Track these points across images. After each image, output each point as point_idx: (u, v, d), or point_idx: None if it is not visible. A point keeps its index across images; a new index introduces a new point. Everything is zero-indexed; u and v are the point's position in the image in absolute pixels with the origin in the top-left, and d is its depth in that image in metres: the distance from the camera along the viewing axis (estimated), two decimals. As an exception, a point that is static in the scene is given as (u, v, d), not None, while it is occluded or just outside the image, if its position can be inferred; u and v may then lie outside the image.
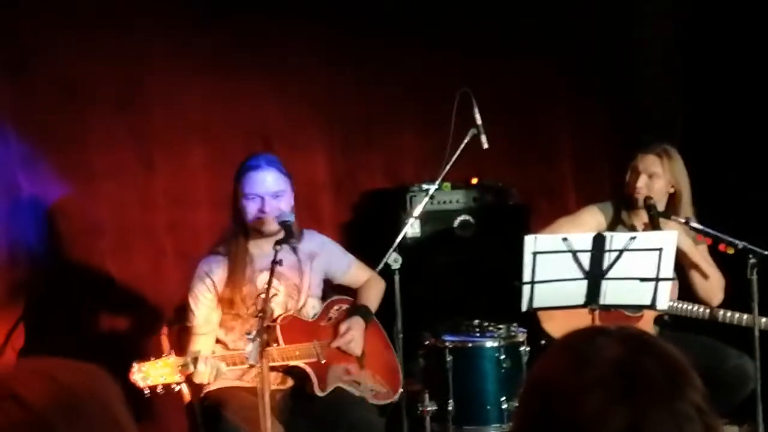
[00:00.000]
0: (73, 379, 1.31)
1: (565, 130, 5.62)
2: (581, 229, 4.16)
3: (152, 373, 3.21)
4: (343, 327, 3.68)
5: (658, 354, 1.39)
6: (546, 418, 1.36)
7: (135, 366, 3.20)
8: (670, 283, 3.69)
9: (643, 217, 4.26)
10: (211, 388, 3.51)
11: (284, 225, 3.40)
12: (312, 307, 3.71)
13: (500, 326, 4.10)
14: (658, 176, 4.19)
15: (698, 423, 1.33)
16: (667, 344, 1.42)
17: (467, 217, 5.05)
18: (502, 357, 3.99)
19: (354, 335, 3.67)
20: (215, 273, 3.55)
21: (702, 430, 1.34)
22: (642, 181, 4.18)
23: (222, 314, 3.58)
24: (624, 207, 4.29)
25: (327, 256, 3.81)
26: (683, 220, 4.06)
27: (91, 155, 4.66)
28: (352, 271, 3.91)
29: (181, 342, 3.61)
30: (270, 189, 3.51)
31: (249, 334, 3.09)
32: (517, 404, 2.39)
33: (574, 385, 1.35)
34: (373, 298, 3.89)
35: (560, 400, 1.35)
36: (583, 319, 3.80)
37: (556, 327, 4.17)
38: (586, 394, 1.33)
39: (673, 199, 4.23)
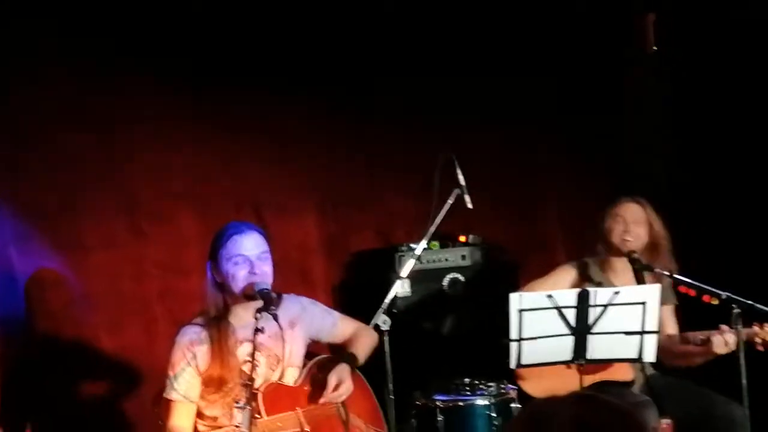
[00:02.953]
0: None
1: (552, 186, 5.67)
2: (553, 288, 4.22)
3: None
4: (332, 379, 3.52)
5: (611, 408, 1.44)
6: None
7: None
8: (655, 336, 3.72)
9: (618, 269, 4.29)
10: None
11: (262, 293, 3.37)
12: (291, 376, 3.60)
13: (490, 384, 4.12)
14: (639, 223, 4.23)
15: None
16: (613, 398, 1.48)
17: (456, 275, 5.09)
18: (494, 415, 4.00)
19: (343, 389, 3.54)
20: (196, 347, 3.47)
21: None
22: (624, 226, 4.21)
23: (204, 387, 3.49)
24: (599, 261, 4.32)
25: (308, 319, 3.71)
26: (667, 273, 4.09)
27: (81, 228, 4.72)
28: (339, 327, 3.80)
29: (162, 413, 3.57)
30: (256, 251, 3.49)
31: (238, 403, 3.08)
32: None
33: None
34: (360, 347, 3.74)
35: None
36: (560, 377, 3.86)
37: (533, 387, 4.20)
38: None
39: (652, 251, 4.26)
